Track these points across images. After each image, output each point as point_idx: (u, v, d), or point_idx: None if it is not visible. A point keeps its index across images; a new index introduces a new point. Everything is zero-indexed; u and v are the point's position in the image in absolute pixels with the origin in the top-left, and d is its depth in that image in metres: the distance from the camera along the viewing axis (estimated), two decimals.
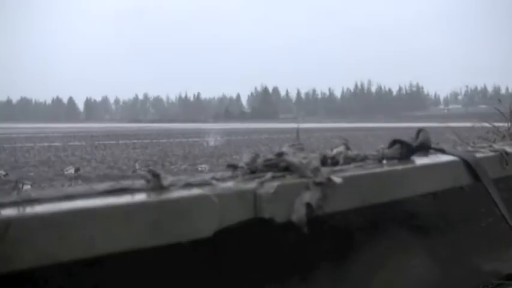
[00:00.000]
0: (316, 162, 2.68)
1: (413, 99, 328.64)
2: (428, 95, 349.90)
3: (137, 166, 32.04)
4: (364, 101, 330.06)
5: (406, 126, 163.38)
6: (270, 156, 2.71)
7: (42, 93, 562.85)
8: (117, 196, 2.04)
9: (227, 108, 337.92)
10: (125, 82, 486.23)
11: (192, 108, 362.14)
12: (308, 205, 2.41)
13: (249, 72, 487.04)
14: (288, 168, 2.62)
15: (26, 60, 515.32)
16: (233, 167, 2.61)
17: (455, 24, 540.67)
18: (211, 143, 27.86)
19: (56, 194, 1.91)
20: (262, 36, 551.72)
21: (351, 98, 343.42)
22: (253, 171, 2.55)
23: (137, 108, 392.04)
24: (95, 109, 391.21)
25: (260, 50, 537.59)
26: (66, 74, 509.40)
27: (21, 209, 1.72)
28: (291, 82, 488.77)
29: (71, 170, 28.79)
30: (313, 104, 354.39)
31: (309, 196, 2.46)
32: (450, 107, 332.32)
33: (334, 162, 3.14)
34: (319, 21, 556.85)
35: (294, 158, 2.67)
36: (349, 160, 3.23)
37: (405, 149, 3.54)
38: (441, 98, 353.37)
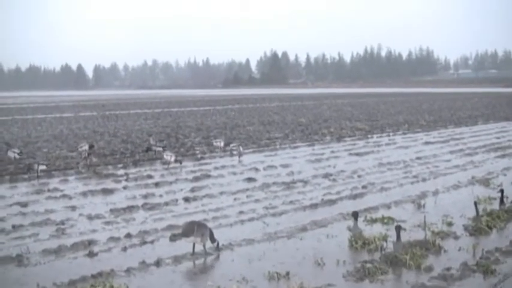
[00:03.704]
0: None
1: (423, 64, 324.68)
2: (438, 59, 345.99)
3: (151, 141, 31.75)
4: (373, 65, 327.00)
5: (416, 91, 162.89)
6: None
7: (51, 61, 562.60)
8: None
9: (236, 74, 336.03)
10: (133, 48, 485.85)
11: (201, 73, 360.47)
12: None
13: (258, 37, 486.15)
14: None
15: (34, 27, 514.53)
16: None
17: None
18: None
19: None
20: (271, 1, 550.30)
21: (361, 63, 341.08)
22: None
23: (146, 74, 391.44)
24: (104, 76, 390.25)
25: (269, 14, 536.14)
26: (75, 41, 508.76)
27: None
28: (301, 47, 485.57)
29: (85, 147, 28.49)
30: (323, 69, 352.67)
31: None
32: (460, 71, 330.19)
33: None
34: None
35: None
36: None
37: None
38: (451, 63, 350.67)
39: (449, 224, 15.12)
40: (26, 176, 23.27)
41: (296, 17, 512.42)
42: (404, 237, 13.09)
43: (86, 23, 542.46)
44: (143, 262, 12.16)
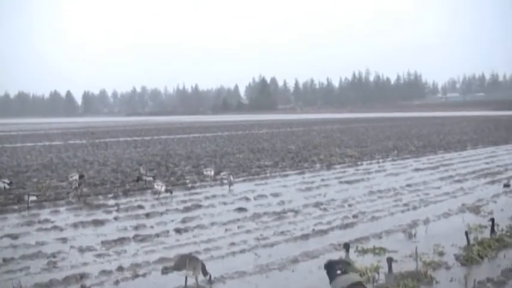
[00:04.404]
0: None
1: (412, 88, 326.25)
2: (426, 83, 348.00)
3: (142, 170, 31.75)
4: (362, 90, 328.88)
5: (405, 116, 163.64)
6: None
7: (40, 88, 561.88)
8: None
9: (225, 100, 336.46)
10: (122, 74, 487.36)
11: (190, 99, 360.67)
12: None
13: (247, 63, 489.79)
14: None
15: (23, 54, 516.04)
16: None
17: (453, 11, 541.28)
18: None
19: None
20: (259, 28, 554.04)
21: (349, 88, 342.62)
22: None
23: (135, 101, 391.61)
24: (93, 102, 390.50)
25: (258, 40, 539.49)
26: (64, 68, 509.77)
27: None
28: (289, 72, 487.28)
29: (75, 177, 28.45)
30: (311, 94, 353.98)
31: None
32: (448, 95, 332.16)
33: None
34: (316, 10, 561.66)
35: None
36: None
37: None
38: (439, 86, 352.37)
39: (441, 254, 15.15)
40: (16, 207, 23.19)
41: (285, 43, 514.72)
42: (396, 268, 13.11)
43: (75, 50, 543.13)
44: None
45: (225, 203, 23.74)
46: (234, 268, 14.17)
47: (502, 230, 17.54)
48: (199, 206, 22.98)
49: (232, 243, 16.69)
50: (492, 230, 16.71)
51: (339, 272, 11.09)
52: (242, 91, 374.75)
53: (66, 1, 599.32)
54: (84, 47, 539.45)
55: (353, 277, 10.92)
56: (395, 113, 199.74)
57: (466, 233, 15.69)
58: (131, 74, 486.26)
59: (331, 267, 11.37)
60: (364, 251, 15.62)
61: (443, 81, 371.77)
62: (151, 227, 19.39)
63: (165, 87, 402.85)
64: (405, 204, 22.70)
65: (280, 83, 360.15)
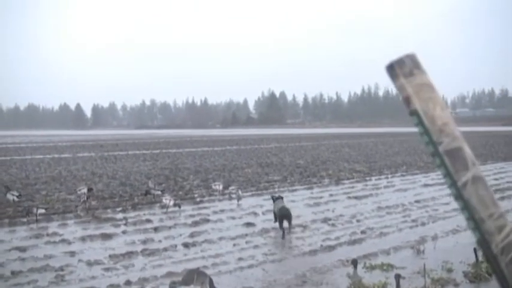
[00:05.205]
0: None
1: None
2: None
3: (150, 184, 31.79)
4: (371, 105, 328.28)
5: (414, 131, 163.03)
6: None
7: (50, 100, 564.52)
8: None
9: (234, 114, 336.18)
10: (131, 88, 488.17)
11: (199, 113, 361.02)
12: None
13: (256, 77, 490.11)
14: None
15: (33, 66, 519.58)
16: None
17: (463, 26, 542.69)
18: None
19: None
20: (268, 40, 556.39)
21: (358, 102, 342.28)
22: None
23: (144, 114, 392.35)
24: (102, 115, 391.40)
25: (267, 54, 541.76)
26: (74, 80, 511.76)
27: None
28: (298, 86, 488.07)
29: (83, 190, 28.50)
30: (321, 109, 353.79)
31: None
32: (457, 110, 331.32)
33: None
34: (323, 25, 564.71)
35: None
36: None
37: None
38: (449, 101, 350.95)
39: (449, 271, 15.10)
40: (24, 220, 23.26)
41: (294, 56, 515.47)
42: (404, 285, 13.08)
43: (85, 62, 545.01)
44: None
45: (233, 218, 23.73)
46: (241, 283, 14.17)
47: None
48: (208, 221, 22.99)
49: (240, 258, 16.69)
50: None
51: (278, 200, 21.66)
52: (251, 105, 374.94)
53: (70, 6, 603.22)
54: (93, 59, 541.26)
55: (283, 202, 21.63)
56: (404, 128, 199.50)
57: (475, 250, 15.61)
58: (140, 88, 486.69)
59: (273, 199, 22.47)
60: (372, 267, 15.58)
61: (452, 96, 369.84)
62: (160, 241, 19.40)
63: (174, 100, 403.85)
64: (414, 220, 22.65)
65: (290, 97, 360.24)
